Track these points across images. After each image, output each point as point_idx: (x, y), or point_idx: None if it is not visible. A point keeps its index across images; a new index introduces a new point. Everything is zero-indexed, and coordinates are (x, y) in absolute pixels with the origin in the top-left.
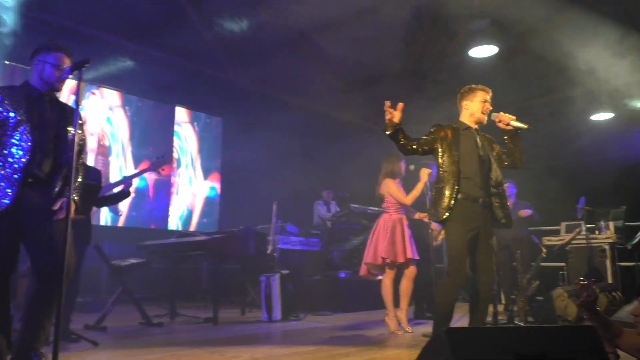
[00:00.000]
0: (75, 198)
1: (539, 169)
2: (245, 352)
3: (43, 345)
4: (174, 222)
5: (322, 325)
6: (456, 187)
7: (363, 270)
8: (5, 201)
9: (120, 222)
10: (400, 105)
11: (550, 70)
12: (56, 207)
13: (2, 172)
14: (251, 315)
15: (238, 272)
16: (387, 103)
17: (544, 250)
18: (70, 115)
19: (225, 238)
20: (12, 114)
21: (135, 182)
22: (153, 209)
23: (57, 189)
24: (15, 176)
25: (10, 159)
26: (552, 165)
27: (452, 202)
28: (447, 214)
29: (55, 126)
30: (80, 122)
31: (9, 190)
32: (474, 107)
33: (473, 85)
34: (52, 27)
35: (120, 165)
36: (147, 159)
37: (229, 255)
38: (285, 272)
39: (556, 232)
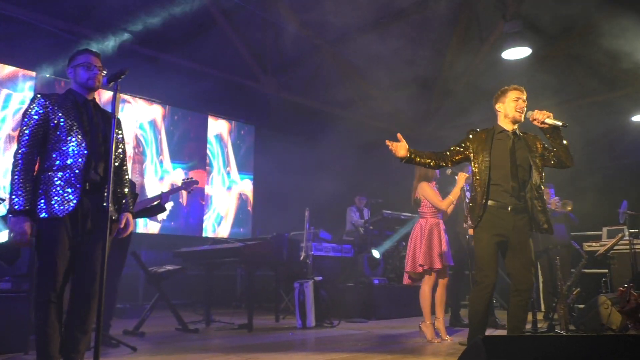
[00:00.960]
0: (111, 208)
1: (579, 172)
2: (279, 359)
3: (83, 354)
4: (209, 230)
5: (357, 332)
6: (485, 195)
7: (406, 279)
8: (69, 205)
9: (156, 230)
10: (399, 135)
11: (588, 71)
12: (121, 224)
13: (64, 178)
14: (285, 322)
15: (271, 279)
16: (387, 142)
17: (585, 256)
18: (112, 121)
19: (258, 245)
20: (62, 120)
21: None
22: (188, 216)
23: (111, 194)
24: (76, 182)
25: (69, 165)
26: (593, 168)
27: (482, 210)
28: (477, 222)
29: (103, 131)
30: (120, 132)
31: (72, 196)
32: (507, 108)
33: (505, 87)
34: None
35: (155, 173)
36: (181, 167)
37: (262, 262)
38: (318, 278)
39: (597, 238)
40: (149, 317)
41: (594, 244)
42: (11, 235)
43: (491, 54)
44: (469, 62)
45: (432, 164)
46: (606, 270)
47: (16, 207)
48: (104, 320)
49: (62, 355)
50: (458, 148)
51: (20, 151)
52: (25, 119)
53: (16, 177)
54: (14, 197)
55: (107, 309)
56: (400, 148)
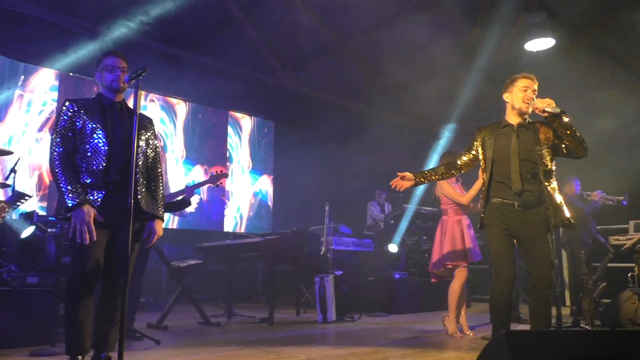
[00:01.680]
0: (145, 207)
1: (606, 164)
2: (300, 353)
3: (114, 346)
4: (230, 225)
5: (377, 326)
6: (488, 193)
7: (434, 277)
8: (94, 205)
9: (178, 225)
10: (399, 173)
11: (615, 62)
12: (145, 236)
13: (87, 179)
14: (306, 316)
15: (292, 273)
16: (391, 184)
17: (611, 250)
18: (143, 122)
19: (279, 239)
20: (88, 123)
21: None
22: (209, 212)
23: (136, 195)
24: (99, 183)
25: (91, 167)
26: (619, 161)
27: (485, 208)
28: (481, 220)
29: (129, 132)
30: (150, 132)
31: (96, 197)
32: (514, 99)
33: (515, 75)
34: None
35: (175, 169)
36: (201, 163)
37: (282, 256)
38: (338, 273)
39: (624, 231)
40: (172, 310)
41: (620, 237)
42: (75, 227)
43: (514, 45)
44: (491, 54)
45: (443, 177)
46: (633, 265)
47: (70, 203)
48: (128, 314)
49: (93, 348)
50: (467, 154)
51: (55, 153)
52: (57, 125)
53: (60, 181)
54: (65, 198)
55: (131, 303)
56: (406, 183)
